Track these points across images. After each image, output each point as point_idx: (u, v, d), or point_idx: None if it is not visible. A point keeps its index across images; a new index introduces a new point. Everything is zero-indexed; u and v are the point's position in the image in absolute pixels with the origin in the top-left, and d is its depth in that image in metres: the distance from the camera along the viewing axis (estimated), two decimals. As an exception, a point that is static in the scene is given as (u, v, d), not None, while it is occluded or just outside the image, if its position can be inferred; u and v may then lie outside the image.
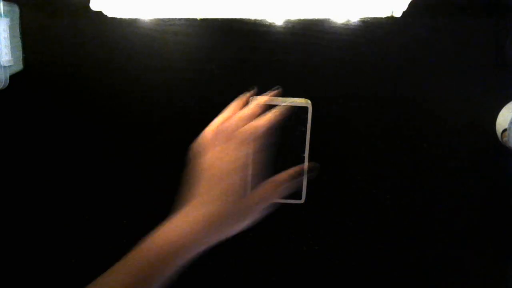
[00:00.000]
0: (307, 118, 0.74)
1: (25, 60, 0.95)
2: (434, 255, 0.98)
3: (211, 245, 0.64)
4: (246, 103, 0.74)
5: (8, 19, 0.89)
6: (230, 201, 0.63)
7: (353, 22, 0.92)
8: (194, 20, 0.93)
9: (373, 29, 0.92)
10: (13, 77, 0.92)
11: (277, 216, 1.02)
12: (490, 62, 0.93)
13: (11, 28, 0.90)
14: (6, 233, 1.00)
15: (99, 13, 0.86)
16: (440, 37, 0.93)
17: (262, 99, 0.72)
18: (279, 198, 0.69)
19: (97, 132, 0.99)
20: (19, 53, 0.94)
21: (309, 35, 0.93)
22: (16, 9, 0.93)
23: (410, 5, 0.82)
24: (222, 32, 0.94)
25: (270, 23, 0.92)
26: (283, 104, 0.73)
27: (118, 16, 0.87)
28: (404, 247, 0.97)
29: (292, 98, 0.74)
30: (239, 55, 0.95)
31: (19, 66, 0.94)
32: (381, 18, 0.90)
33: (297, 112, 0.74)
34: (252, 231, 1.04)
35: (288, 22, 0.92)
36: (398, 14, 0.85)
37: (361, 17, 0.91)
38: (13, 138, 0.98)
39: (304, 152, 0.75)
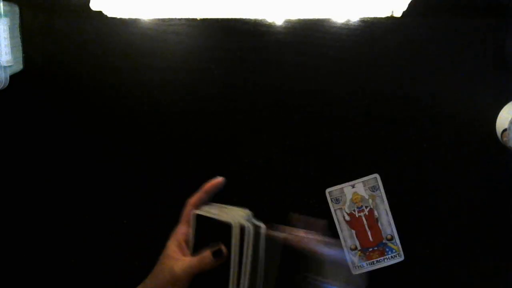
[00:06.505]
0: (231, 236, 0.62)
1: (25, 60, 0.95)
2: (434, 255, 0.98)
3: None
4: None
5: (8, 19, 0.89)
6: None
7: (353, 22, 0.92)
8: (194, 20, 0.93)
9: (373, 29, 0.92)
10: (13, 77, 0.92)
11: (277, 217, 1.03)
12: (490, 62, 0.93)
13: (11, 28, 0.90)
14: (6, 233, 1.00)
15: (99, 13, 0.86)
16: (440, 37, 0.93)
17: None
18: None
19: (97, 132, 0.99)
20: (19, 53, 0.94)
21: (309, 35, 0.93)
22: (16, 9, 0.93)
23: (410, 5, 0.82)
24: (222, 32, 0.94)
25: (270, 23, 0.92)
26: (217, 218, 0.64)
27: (118, 16, 0.87)
28: (403, 247, 0.97)
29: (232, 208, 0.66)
30: (239, 55, 0.95)
31: (19, 66, 0.94)
32: (381, 18, 0.90)
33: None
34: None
35: (288, 22, 0.92)
36: (398, 14, 0.85)
37: (361, 17, 0.91)
38: (13, 138, 0.98)
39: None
